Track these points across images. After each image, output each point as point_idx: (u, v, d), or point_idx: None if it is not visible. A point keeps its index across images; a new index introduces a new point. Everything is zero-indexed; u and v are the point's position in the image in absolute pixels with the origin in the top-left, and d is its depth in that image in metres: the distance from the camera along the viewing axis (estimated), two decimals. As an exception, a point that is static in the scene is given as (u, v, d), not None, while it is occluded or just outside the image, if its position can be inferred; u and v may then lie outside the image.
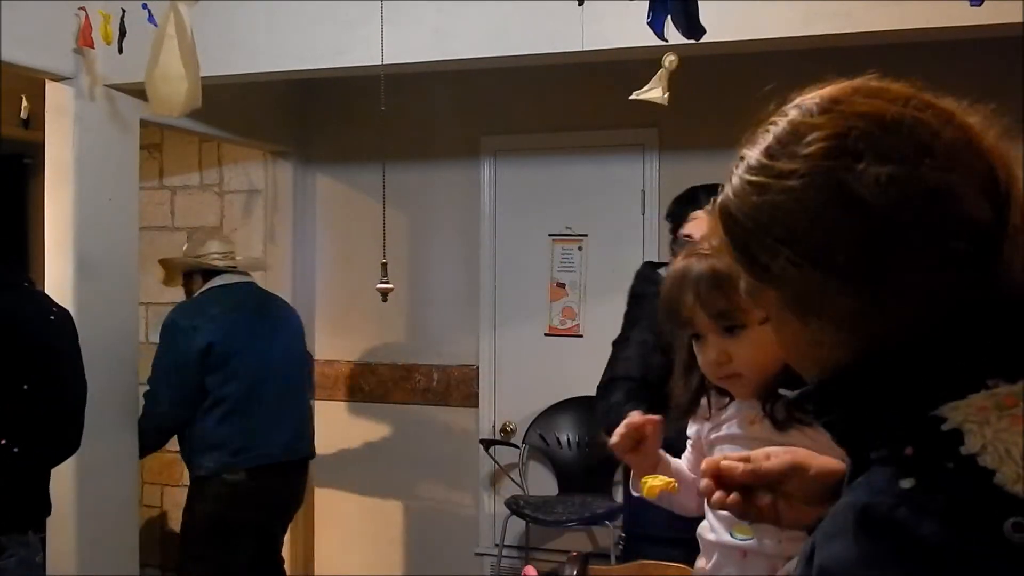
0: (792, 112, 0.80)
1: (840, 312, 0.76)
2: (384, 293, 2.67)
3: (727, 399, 1.58)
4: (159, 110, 2.80)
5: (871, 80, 0.80)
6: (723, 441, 1.58)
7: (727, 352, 1.47)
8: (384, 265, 2.70)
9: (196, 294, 3.62)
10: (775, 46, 2.77)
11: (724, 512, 1.55)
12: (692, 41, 2.20)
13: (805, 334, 0.80)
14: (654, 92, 2.25)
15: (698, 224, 2.42)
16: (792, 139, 0.78)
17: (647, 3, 2.18)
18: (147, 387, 3.49)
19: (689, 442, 1.69)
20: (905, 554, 0.66)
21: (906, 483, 0.68)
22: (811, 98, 0.80)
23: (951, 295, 0.72)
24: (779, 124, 0.80)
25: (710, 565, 1.62)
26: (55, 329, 2.35)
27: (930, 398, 0.71)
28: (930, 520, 0.66)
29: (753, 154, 0.81)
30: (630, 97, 2.27)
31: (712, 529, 1.61)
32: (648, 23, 2.16)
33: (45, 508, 2.44)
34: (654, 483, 2.11)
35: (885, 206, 0.72)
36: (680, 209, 2.46)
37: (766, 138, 0.81)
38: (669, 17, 2.16)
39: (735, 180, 0.82)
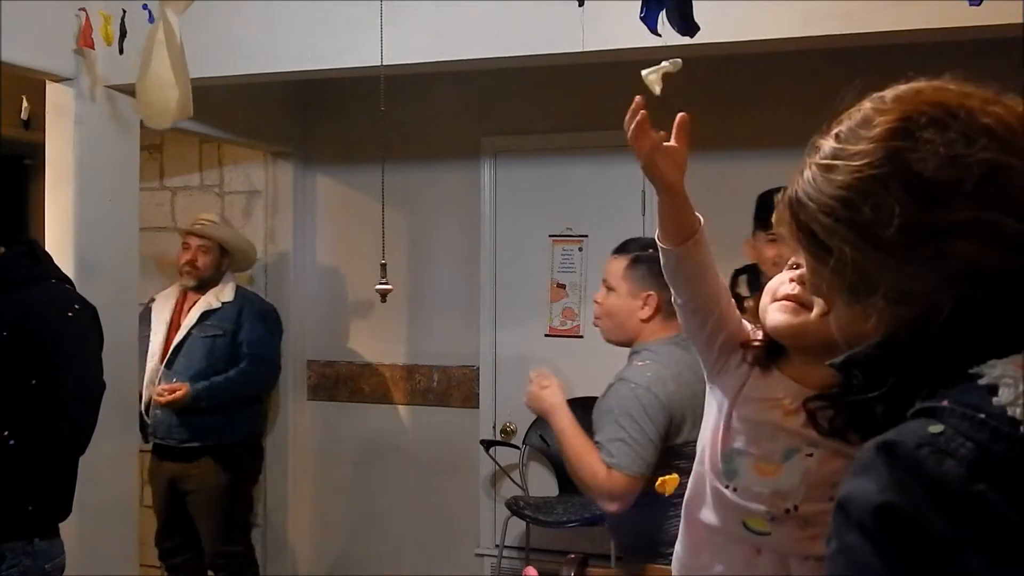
0: (867, 103, 0.84)
1: (892, 292, 0.79)
2: (383, 294, 2.65)
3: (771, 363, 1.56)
4: (151, 122, 2.80)
5: (948, 81, 0.84)
6: (754, 416, 1.54)
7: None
8: (383, 266, 2.68)
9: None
10: (775, 46, 2.77)
11: (733, 497, 1.51)
12: (688, 39, 2.19)
13: (858, 314, 0.83)
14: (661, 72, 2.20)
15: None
16: (863, 124, 0.82)
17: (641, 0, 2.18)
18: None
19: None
20: (922, 486, 0.68)
21: (935, 428, 0.70)
22: (887, 91, 0.85)
23: (1000, 268, 0.75)
24: (853, 115, 0.84)
25: (705, 555, 1.57)
26: (72, 326, 2.28)
27: (972, 359, 0.74)
28: (953, 461, 0.68)
29: (826, 141, 0.85)
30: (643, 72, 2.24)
31: (714, 512, 1.55)
32: (641, 18, 2.15)
33: (57, 511, 2.35)
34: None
35: (942, 182, 0.75)
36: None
37: (840, 126, 0.85)
38: (664, 14, 2.15)
39: (806, 169, 0.86)
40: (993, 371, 0.71)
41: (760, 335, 1.59)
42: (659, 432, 2.33)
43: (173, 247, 4.67)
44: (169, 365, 3.88)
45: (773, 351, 1.56)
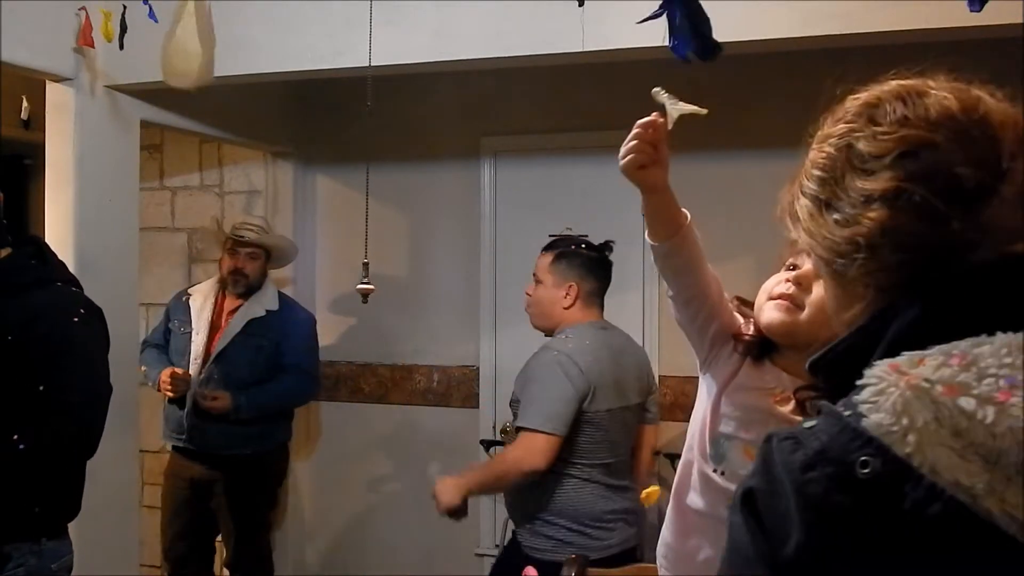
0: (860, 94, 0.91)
1: (825, 253, 0.86)
2: (364, 294, 2.64)
3: (766, 357, 1.57)
4: (173, 82, 2.78)
5: (936, 76, 0.89)
6: (745, 403, 1.55)
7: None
8: (366, 265, 2.67)
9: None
10: (775, 47, 2.77)
11: (721, 481, 1.53)
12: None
13: (830, 291, 0.90)
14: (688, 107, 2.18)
15: None
16: (840, 112, 0.89)
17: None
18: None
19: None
20: (772, 472, 0.74)
21: (809, 423, 0.75)
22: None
23: (928, 252, 0.78)
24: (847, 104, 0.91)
25: (692, 540, 1.58)
26: (78, 330, 2.26)
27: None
28: (801, 452, 0.73)
29: (821, 130, 0.92)
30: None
31: (701, 497, 1.58)
32: (671, 48, 2.09)
33: (65, 512, 2.34)
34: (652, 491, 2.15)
35: (871, 154, 0.82)
36: None
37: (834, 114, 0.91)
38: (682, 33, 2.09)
39: None
40: (870, 371, 0.74)
41: (751, 329, 1.61)
42: (578, 394, 2.59)
43: (173, 248, 4.68)
44: (211, 370, 3.82)
45: (766, 344, 1.58)
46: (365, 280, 2.63)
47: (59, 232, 3.22)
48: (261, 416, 3.84)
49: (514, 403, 2.70)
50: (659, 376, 4.08)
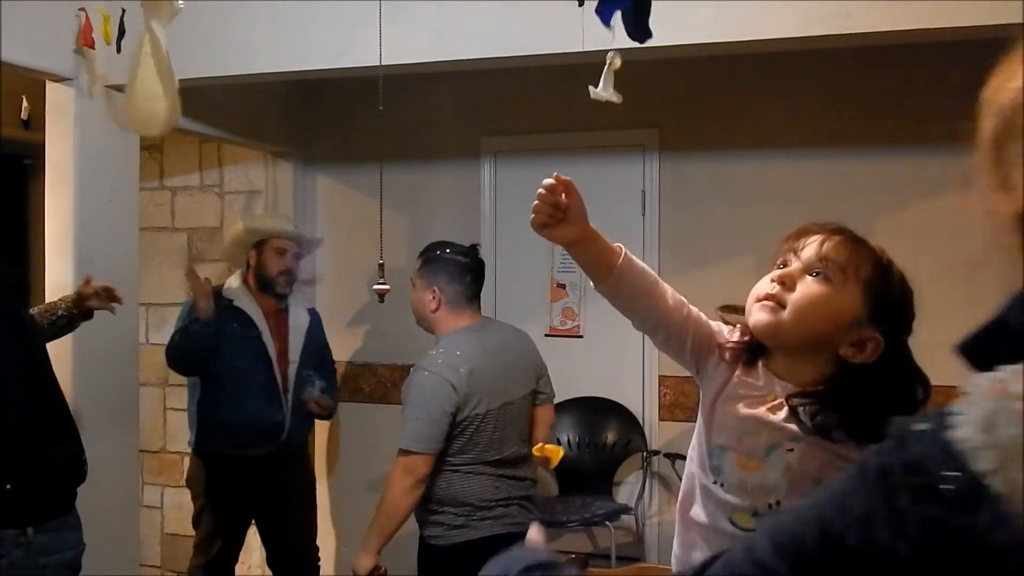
0: None
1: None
2: (381, 294, 2.69)
3: (758, 360, 1.56)
4: (141, 129, 2.83)
5: None
6: (737, 412, 1.53)
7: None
8: (381, 266, 2.71)
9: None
10: (775, 46, 2.77)
11: (719, 493, 1.52)
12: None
13: None
14: (607, 92, 2.21)
15: None
16: None
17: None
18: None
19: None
20: (865, 476, 0.72)
21: (919, 425, 0.71)
22: None
23: None
24: None
25: (697, 553, 1.58)
26: None
27: None
28: (899, 461, 0.70)
29: None
30: (592, 95, 2.25)
31: (703, 509, 1.58)
32: (596, 11, 2.13)
33: (49, 504, 2.28)
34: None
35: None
36: None
37: None
38: (620, 13, 2.13)
39: None
40: (974, 380, 0.69)
41: (736, 336, 1.60)
42: (449, 411, 2.72)
43: (173, 248, 4.67)
44: (300, 373, 3.76)
45: (757, 348, 1.57)
46: (381, 280, 2.68)
47: (59, 232, 3.22)
48: None
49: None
50: (659, 376, 4.08)
